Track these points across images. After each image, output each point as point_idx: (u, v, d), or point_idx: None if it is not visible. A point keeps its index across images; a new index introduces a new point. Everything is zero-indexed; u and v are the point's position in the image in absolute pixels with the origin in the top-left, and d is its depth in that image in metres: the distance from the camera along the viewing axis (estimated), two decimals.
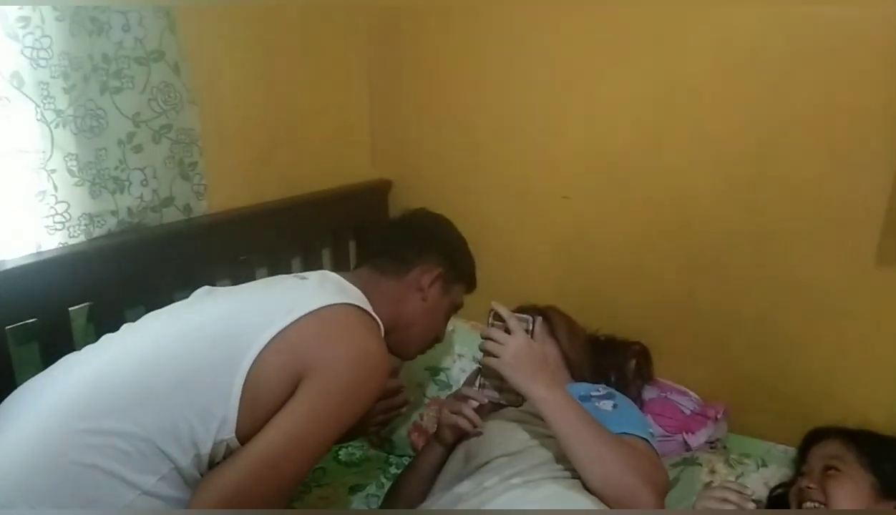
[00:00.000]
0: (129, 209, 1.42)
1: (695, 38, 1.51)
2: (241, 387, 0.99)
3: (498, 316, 1.22)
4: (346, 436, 1.28)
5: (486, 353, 1.19)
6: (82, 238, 1.35)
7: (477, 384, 1.26)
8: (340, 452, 1.64)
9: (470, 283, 1.37)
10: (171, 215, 1.50)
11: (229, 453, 1.00)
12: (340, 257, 1.90)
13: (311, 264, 1.79)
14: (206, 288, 1.23)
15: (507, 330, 1.19)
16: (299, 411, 1.00)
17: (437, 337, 1.35)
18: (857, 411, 1.37)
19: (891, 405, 1.43)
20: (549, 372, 1.18)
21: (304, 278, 1.19)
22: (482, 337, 1.21)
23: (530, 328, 1.23)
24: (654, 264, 1.68)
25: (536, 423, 1.20)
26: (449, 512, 1.04)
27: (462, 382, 1.43)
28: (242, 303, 1.14)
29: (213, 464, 1.00)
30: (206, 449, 0.97)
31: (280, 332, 1.02)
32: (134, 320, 1.14)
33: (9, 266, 1.24)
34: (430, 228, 1.34)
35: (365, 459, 1.64)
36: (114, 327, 1.13)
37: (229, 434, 0.98)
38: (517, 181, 1.83)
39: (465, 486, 1.13)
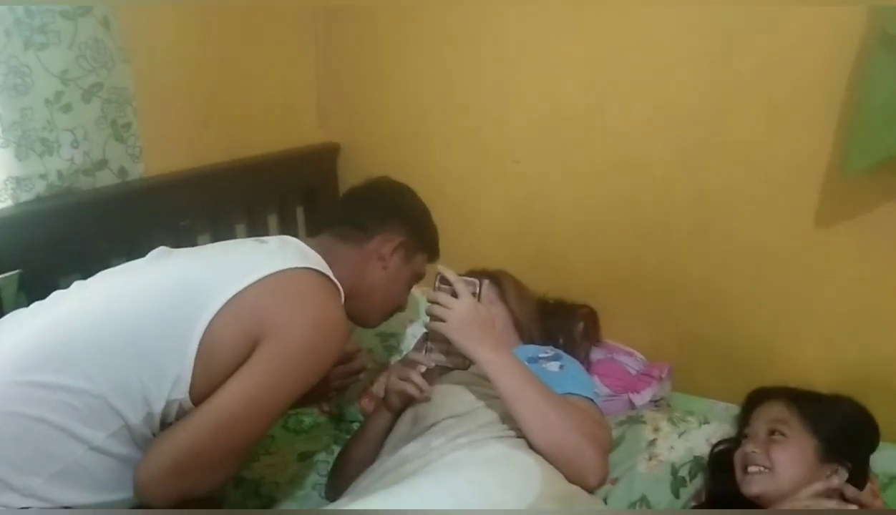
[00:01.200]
0: (59, 172, 1.36)
1: (643, 3, 1.50)
2: (196, 347, 0.98)
3: (445, 280, 1.21)
4: (303, 401, 1.27)
5: (433, 317, 1.19)
6: (9, 203, 1.30)
7: (424, 348, 1.26)
8: (289, 420, 1.62)
9: (432, 253, 1.35)
10: (106, 179, 1.45)
11: (182, 413, 0.99)
12: (288, 223, 1.86)
13: (256, 230, 1.75)
14: (163, 248, 1.20)
15: (454, 294, 1.19)
16: (256, 372, 1.00)
17: (398, 306, 1.34)
18: (797, 369, 1.42)
19: (830, 363, 1.48)
20: (496, 335, 1.19)
21: (264, 242, 1.18)
22: (429, 302, 1.21)
23: (477, 291, 1.22)
24: (602, 228, 1.69)
25: (483, 385, 1.21)
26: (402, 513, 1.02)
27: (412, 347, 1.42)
28: (201, 264, 1.12)
29: (165, 425, 0.99)
30: (158, 408, 0.97)
31: (238, 294, 1.01)
32: (69, 287, 1.10)
33: None
34: (392, 197, 1.33)
35: (314, 425, 1.63)
36: (47, 295, 1.09)
37: (183, 394, 0.98)
38: (467, 144, 1.81)
39: (411, 447, 1.13)
